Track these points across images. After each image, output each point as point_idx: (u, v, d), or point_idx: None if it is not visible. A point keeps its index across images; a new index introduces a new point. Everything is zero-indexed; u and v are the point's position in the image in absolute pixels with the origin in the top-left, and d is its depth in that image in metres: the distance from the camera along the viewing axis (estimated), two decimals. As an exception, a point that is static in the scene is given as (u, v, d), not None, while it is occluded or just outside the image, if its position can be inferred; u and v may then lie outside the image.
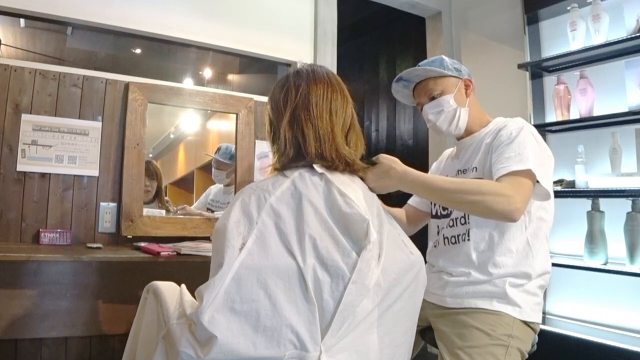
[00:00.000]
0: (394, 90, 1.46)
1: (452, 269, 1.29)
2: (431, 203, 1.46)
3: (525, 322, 1.20)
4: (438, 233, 1.39)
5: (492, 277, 1.21)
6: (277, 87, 1.05)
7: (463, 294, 1.24)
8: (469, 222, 1.27)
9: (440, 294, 1.29)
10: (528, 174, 1.14)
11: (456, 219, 1.32)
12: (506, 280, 1.20)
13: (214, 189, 2.28)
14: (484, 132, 1.35)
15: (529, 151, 1.17)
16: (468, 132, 1.39)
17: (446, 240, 1.35)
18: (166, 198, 2.19)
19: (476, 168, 1.30)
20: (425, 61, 1.41)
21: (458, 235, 1.30)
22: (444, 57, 1.40)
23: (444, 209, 1.38)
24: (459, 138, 1.42)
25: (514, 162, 1.16)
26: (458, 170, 1.38)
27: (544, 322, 2.10)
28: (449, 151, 1.54)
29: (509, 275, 1.21)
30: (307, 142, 0.98)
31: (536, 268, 1.23)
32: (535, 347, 1.27)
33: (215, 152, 2.25)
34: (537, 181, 1.16)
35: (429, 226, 1.46)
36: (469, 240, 1.26)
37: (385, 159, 1.17)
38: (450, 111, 1.34)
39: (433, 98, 1.36)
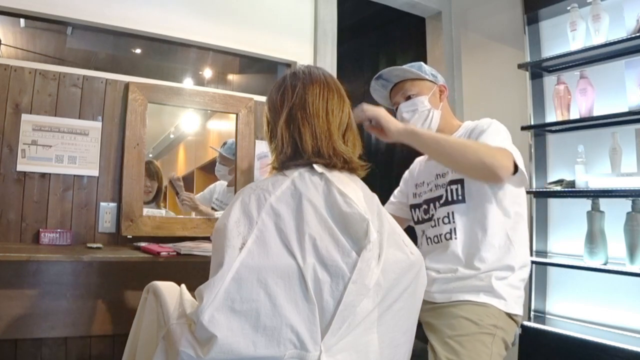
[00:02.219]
0: (373, 89, 1.54)
1: (439, 266, 1.33)
2: (411, 209, 1.50)
3: (509, 315, 1.26)
4: (422, 236, 1.44)
5: (478, 272, 1.27)
6: (274, 88, 1.07)
7: (451, 289, 1.29)
8: (454, 222, 1.33)
9: (428, 291, 1.32)
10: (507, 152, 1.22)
11: (439, 219, 1.37)
12: (492, 274, 1.26)
13: (219, 187, 2.27)
14: (456, 135, 1.42)
15: (504, 137, 1.27)
16: None
17: (429, 240, 1.40)
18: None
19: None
20: (405, 65, 1.48)
21: (441, 235, 1.36)
22: (422, 63, 1.49)
23: (426, 212, 1.42)
24: None
25: (493, 142, 1.24)
26: (437, 175, 1.42)
27: (543, 322, 2.10)
28: (419, 159, 1.61)
29: (494, 269, 1.27)
30: (304, 140, 0.98)
31: (518, 260, 1.29)
32: (517, 340, 1.34)
33: (221, 147, 2.26)
34: (515, 164, 1.20)
35: (417, 234, 1.51)
36: (456, 238, 1.32)
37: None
38: (424, 111, 1.41)
39: (409, 98, 1.44)
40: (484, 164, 1.15)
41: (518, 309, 1.28)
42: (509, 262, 1.28)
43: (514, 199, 1.32)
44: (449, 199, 1.35)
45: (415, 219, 1.48)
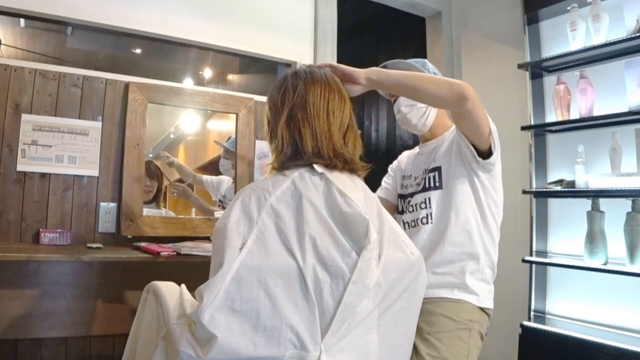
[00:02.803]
0: None
1: None
2: (399, 199, 1.52)
3: (482, 308, 1.31)
4: (400, 224, 1.46)
5: (449, 260, 1.30)
6: (275, 88, 1.07)
7: (427, 285, 1.29)
8: (430, 207, 1.36)
9: None
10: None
11: (416, 204, 1.41)
12: (464, 270, 1.30)
13: (226, 183, 2.27)
14: (447, 134, 1.44)
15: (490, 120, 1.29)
16: (432, 134, 1.48)
17: (406, 224, 1.43)
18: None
19: (435, 159, 1.40)
20: (410, 60, 1.48)
21: (417, 219, 1.39)
22: (426, 61, 1.49)
23: (409, 203, 1.44)
24: (424, 140, 1.51)
25: None
26: (425, 170, 1.44)
27: (543, 322, 2.10)
28: (407, 152, 1.62)
29: (463, 254, 1.30)
30: (304, 141, 0.98)
31: (484, 251, 1.33)
32: (487, 331, 1.36)
33: (226, 141, 2.26)
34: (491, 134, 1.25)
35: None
36: (431, 222, 1.35)
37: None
38: (421, 107, 1.43)
39: None
40: (451, 84, 1.17)
41: (489, 303, 1.34)
42: (477, 250, 1.31)
43: (489, 199, 1.35)
44: (427, 185, 1.40)
45: (400, 209, 1.52)
